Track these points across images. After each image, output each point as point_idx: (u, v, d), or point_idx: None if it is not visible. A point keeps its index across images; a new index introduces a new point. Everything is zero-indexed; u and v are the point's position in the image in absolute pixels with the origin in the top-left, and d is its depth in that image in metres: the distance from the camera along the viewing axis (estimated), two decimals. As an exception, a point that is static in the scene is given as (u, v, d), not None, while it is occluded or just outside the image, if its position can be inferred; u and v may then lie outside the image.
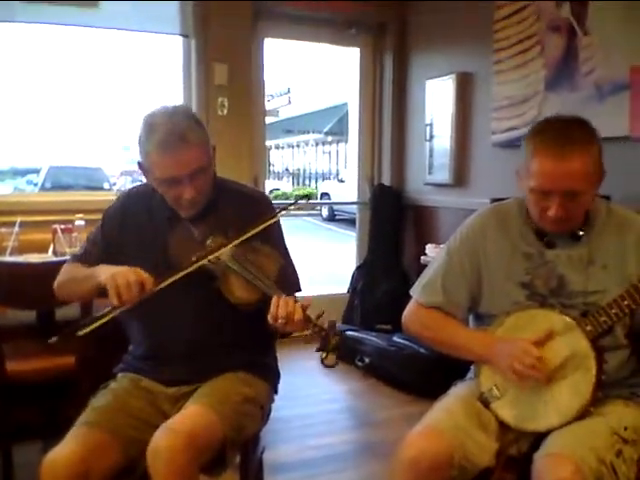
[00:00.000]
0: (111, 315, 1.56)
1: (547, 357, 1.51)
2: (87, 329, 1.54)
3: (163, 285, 1.59)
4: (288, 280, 1.73)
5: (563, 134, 1.51)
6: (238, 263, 1.63)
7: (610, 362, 1.54)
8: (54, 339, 1.56)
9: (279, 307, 1.51)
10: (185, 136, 1.62)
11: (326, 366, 1.52)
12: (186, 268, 1.61)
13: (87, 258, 1.80)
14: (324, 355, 1.51)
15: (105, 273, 1.61)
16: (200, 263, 1.62)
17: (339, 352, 1.51)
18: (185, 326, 1.72)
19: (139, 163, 1.72)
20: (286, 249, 1.85)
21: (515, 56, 3.56)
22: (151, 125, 1.64)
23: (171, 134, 1.60)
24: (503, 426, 1.56)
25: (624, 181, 2.73)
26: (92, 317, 1.57)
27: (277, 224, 1.83)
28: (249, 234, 1.66)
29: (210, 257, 1.63)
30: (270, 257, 1.67)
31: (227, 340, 1.75)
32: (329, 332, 1.52)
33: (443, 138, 4.25)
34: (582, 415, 1.48)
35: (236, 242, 1.65)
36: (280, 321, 1.51)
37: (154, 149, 1.62)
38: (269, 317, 1.52)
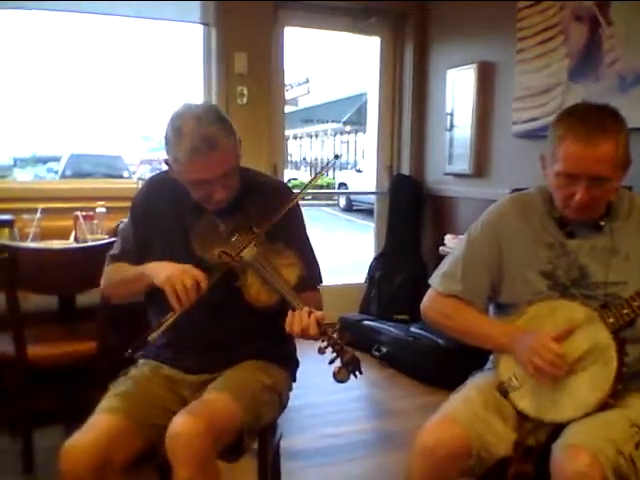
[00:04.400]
0: (175, 317, 1.58)
1: (568, 348, 1.51)
2: (155, 333, 1.59)
3: (213, 281, 1.61)
4: (309, 280, 1.74)
5: (593, 119, 1.51)
6: (260, 264, 1.63)
7: (631, 354, 1.52)
8: (129, 353, 1.63)
9: (294, 324, 1.53)
10: (215, 141, 1.59)
11: (338, 381, 1.52)
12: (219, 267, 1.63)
13: (126, 256, 1.81)
14: (337, 370, 1.52)
15: (159, 274, 1.61)
16: (225, 268, 1.63)
17: (352, 368, 1.52)
18: (206, 317, 1.72)
19: (166, 161, 1.71)
20: (308, 241, 1.86)
21: (538, 45, 3.52)
22: (179, 130, 1.60)
23: (200, 139, 1.58)
24: (521, 416, 1.56)
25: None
26: (159, 323, 1.59)
27: (298, 216, 1.84)
28: (270, 223, 1.66)
29: (234, 259, 1.64)
30: (292, 261, 1.67)
31: (246, 329, 1.75)
32: (343, 346, 1.53)
33: (463, 128, 4.22)
34: (601, 407, 1.47)
35: (258, 235, 1.66)
36: (295, 334, 1.54)
37: (183, 155, 1.60)
38: (286, 327, 1.54)
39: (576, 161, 1.50)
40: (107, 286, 1.83)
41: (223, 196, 1.67)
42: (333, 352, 1.52)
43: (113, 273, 1.81)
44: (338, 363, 1.52)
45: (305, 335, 1.53)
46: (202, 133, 1.58)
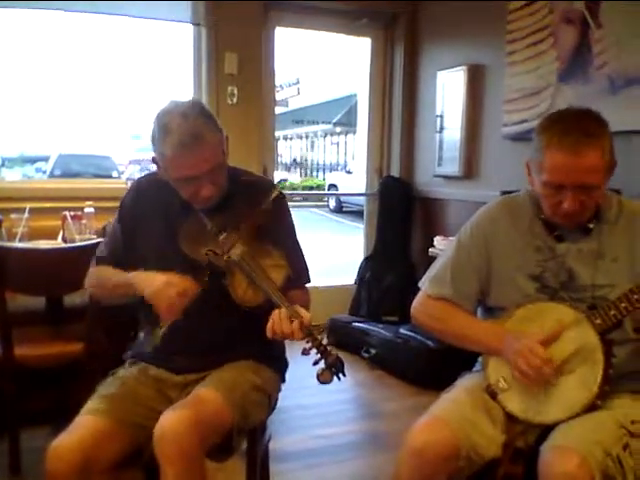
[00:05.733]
0: (164, 329, 1.63)
1: (555, 350, 1.51)
2: (150, 345, 1.69)
3: (200, 279, 1.62)
4: (296, 280, 1.74)
5: (576, 127, 1.50)
6: (247, 264, 1.63)
7: (619, 356, 1.53)
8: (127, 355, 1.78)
9: (275, 326, 1.52)
10: (201, 136, 1.60)
11: (321, 382, 1.52)
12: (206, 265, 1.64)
13: (114, 259, 1.80)
14: (320, 371, 1.52)
15: (146, 288, 1.60)
16: (218, 263, 1.63)
17: (336, 370, 1.52)
18: (194, 316, 1.72)
19: (154, 159, 1.71)
20: (297, 243, 1.86)
21: (528, 48, 3.53)
22: (165, 126, 1.61)
23: (186, 135, 1.58)
24: (510, 418, 1.56)
25: (637, 175, 2.72)
26: (152, 333, 1.65)
27: (286, 215, 1.85)
28: (255, 219, 1.68)
29: (222, 260, 1.64)
30: (279, 262, 1.67)
31: (235, 330, 1.75)
32: (327, 348, 1.53)
33: (453, 130, 4.23)
34: (589, 408, 1.48)
35: (245, 234, 1.66)
36: (278, 337, 1.53)
37: (169, 151, 1.60)
38: (267, 330, 1.53)
39: (563, 171, 1.50)
40: (90, 287, 1.83)
41: (211, 192, 1.66)
42: (317, 354, 1.52)
43: (98, 276, 1.81)
44: (322, 365, 1.52)
45: (288, 339, 1.54)
46: (188, 129, 1.59)
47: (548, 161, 1.52)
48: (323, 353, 1.52)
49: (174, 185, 1.70)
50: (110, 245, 1.84)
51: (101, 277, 1.79)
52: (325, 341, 1.56)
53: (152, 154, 1.70)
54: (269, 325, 1.54)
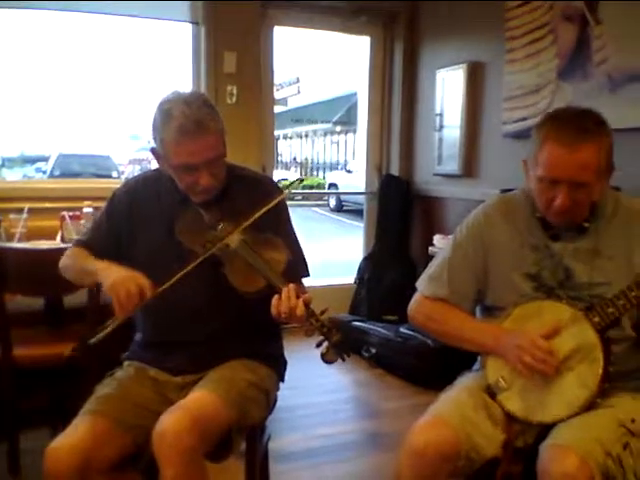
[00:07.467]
0: (117, 323, 1.57)
1: (554, 348, 1.51)
2: (97, 338, 1.57)
3: (163, 288, 1.59)
4: (296, 269, 1.73)
5: (575, 124, 1.50)
6: (246, 250, 1.62)
7: (617, 354, 1.53)
8: (69, 352, 1.74)
9: (281, 302, 1.51)
10: (203, 124, 1.60)
11: (326, 361, 1.50)
12: (191, 263, 1.60)
13: (92, 244, 1.80)
14: (325, 350, 1.50)
15: (107, 278, 1.60)
16: (209, 253, 1.62)
17: (340, 349, 1.50)
18: (189, 313, 1.72)
19: (152, 149, 1.71)
20: (294, 234, 1.85)
21: (527, 45, 3.53)
22: (168, 111, 1.61)
23: (189, 121, 1.58)
24: (510, 417, 1.55)
25: (636, 172, 2.71)
26: (101, 326, 1.58)
27: (285, 210, 1.84)
28: (257, 215, 1.65)
29: (219, 245, 1.62)
30: (279, 249, 1.66)
31: (232, 328, 1.75)
32: (331, 328, 1.51)
33: (453, 128, 4.22)
34: (589, 407, 1.47)
35: (245, 225, 1.64)
36: (283, 316, 1.51)
37: (171, 136, 1.60)
38: (272, 310, 1.52)
39: (557, 165, 1.50)
40: (62, 266, 1.81)
41: (209, 183, 1.66)
42: (321, 335, 1.51)
43: (71, 257, 1.80)
44: (326, 344, 1.50)
45: (292, 316, 1.51)
46: (191, 115, 1.59)
47: (545, 155, 1.52)
48: (327, 333, 1.50)
49: (173, 174, 1.69)
50: (92, 234, 1.84)
51: (74, 259, 1.79)
52: (328, 321, 1.52)
53: (151, 147, 1.70)
54: (274, 301, 1.52)
